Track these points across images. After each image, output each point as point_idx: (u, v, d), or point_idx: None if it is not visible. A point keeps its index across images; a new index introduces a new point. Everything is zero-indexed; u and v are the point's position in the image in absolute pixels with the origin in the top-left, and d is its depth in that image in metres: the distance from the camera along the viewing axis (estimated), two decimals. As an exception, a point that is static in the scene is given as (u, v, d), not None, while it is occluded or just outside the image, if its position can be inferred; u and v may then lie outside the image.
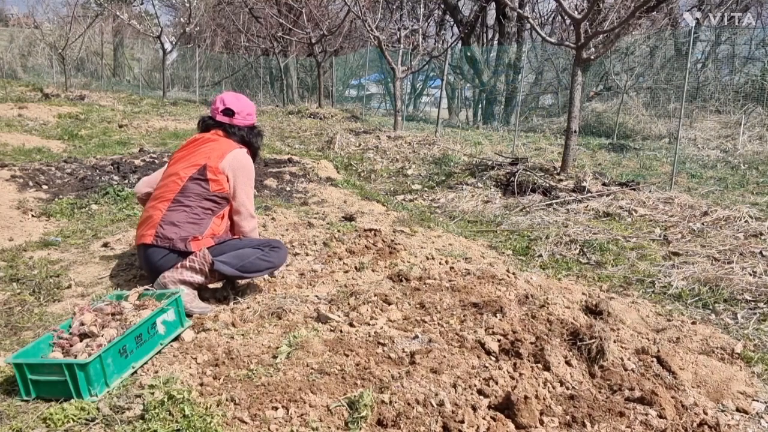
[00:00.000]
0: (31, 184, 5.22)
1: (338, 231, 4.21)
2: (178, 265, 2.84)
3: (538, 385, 2.23)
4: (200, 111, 15.21)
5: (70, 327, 2.32)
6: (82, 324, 2.29)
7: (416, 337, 2.54)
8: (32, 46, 23.84)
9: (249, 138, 3.25)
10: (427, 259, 3.74)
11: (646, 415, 2.12)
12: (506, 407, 2.05)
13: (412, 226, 4.86)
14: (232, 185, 3.06)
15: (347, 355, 2.36)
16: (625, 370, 2.45)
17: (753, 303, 3.55)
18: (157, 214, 2.97)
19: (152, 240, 2.90)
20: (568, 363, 2.41)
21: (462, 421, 1.96)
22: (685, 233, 4.99)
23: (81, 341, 2.23)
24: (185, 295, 2.73)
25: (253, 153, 3.31)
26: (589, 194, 6.36)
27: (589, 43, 7.13)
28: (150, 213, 3.03)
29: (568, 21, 13.85)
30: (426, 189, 7.54)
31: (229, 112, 3.19)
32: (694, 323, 3.20)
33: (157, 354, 2.35)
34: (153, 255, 2.90)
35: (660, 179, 7.61)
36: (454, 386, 2.17)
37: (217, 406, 1.98)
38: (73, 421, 1.92)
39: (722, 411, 2.33)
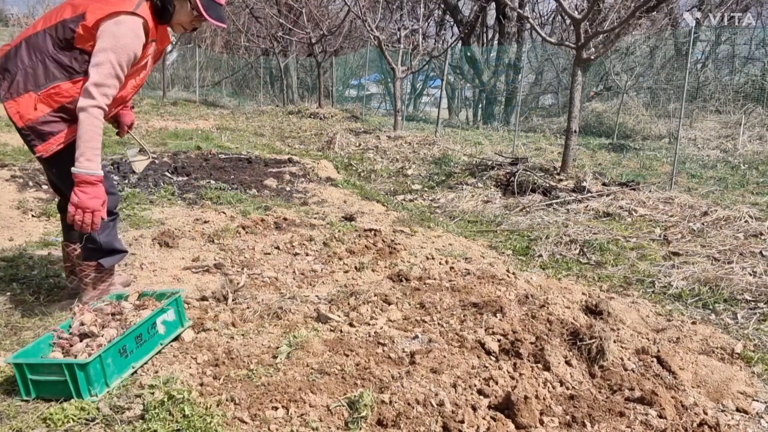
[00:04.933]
0: (31, 184, 5.22)
1: (338, 231, 4.21)
2: (84, 299, 2.59)
3: (538, 385, 2.23)
4: (200, 111, 15.21)
5: (70, 327, 2.31)
6: (82, 324, 2.27)
7: (416, 337, 2.54)
8: (32, 46, 23.74)
9: None
10: (427, 259, 3.74)
11: (646, 415, 2.12)
12: (506, 407, 2.05)
13: (412, 226, 4.86)
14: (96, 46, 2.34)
15: (347, 355, 2.36)
16: (625, 370, 2.45)
17: (753, 303, 3.55)
18: (23, 33, 2.42)
19: None
20: (568, 363, 2.41)
21: (462, 421, 1.97)
22: (685, 233, 4.99)
23: (81, 341, 2.21)
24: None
25: (158, 9, 2.46)
26: (589, 194, 6.35)
27: (589, 43, 7.13)
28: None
29: (568, 21, 13.85)
30: (426, 189, 7.54)
31: None
32: (694, 323, 3.20)
33: (157, 354, 2.35)
34: None
35: (660, 179, 7.61)
36: (454, 386, 2.17)
37: (217, 406, 1.98)
38: (73, 421, 1.92)
39: (722, 411, 2.33)
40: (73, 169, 2.31)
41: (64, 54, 2.36)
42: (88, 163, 2.31)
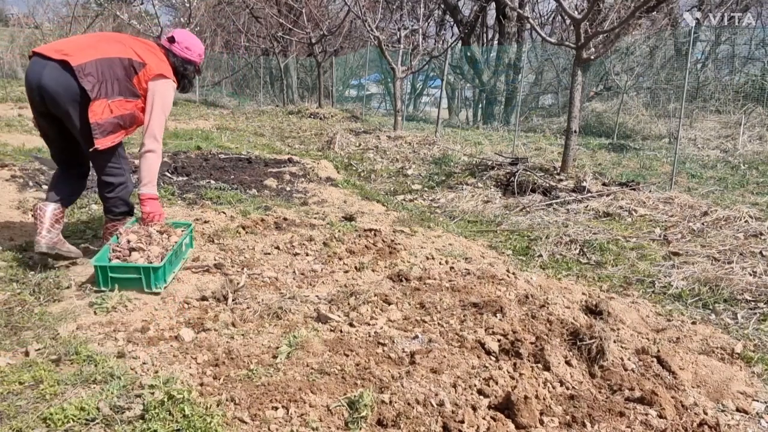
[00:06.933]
0: (31, 184, 5.22)
1: (338, 231, 4.21)
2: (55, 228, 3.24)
3: (538, 385, 2.23)
4: (200, 111, 15.21)
5: (117, 243, 3.15)
6: (129, 241, 3.13)
7: (416, 337, 2.54)
8: (32, 46, 23.76)
9: (182, 68, 3.52)
10: (427, 259, 3.74)
11: (646, 415, 2.12)
12: (506, 407, 2.05)
13: (412, 226, 4.86)
14: (150, 101, 3.29)
15: (347, 355, 2.36)
16: (625, 370, 2.45)
17: (753, 303, 3.55)
18: (91, 52, 3.13)
19: (78, 63, 3.05)
20: (568, 363, 2.41)
21: (462, 421, 1.97)
22: (685, 233, 4.99)
23: (130, 254, 3.06)
24: (55, 238, 3.25)
25: (182, 84, 3.60)
26: (589, 194, 6.35)
27: (589, 43, 7.13)
28: (83, 42, 3.22)
29: (568, 21, 13.86)
30: (426, 189, 7.54)
31: (171, 39, 3.50)
32: (694, 323, 3.20)
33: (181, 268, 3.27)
34: (57, 74, 3.05)
35: (660, 179, 7.61)
36: (454, 386, 2.17)
37: (217, 406, 1.99)
38: (73, 421, 1.92)
39: (722, 411, 2.33)
40: (142, 190, 3.34)
41: (125, 81, 3.25)
42: (153, 187, 3.38)
